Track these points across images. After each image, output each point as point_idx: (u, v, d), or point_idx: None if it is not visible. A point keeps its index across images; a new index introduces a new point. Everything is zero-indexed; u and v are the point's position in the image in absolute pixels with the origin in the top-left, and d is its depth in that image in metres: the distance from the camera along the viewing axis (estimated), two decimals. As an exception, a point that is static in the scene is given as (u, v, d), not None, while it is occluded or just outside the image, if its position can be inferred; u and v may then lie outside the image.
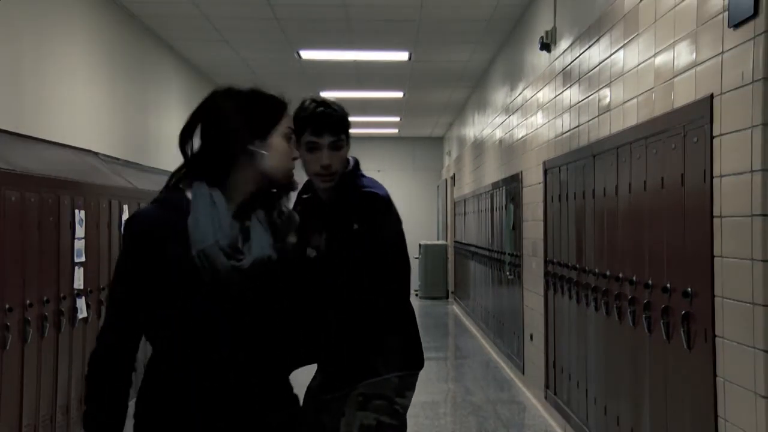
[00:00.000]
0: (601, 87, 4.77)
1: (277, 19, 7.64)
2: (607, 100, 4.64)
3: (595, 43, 4.92)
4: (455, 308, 13.51)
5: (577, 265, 5.15)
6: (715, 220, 3.14)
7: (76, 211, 5.29)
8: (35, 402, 4.76)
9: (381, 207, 2.71)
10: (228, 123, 2.20)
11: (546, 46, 6.19)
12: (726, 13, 3.05)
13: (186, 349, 2.04)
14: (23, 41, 5.33)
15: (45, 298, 4.85)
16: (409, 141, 17.16)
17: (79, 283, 5.32)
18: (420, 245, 15.24)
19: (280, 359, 2.13)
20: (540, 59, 6.53)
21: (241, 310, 2.04)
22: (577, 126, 5.32)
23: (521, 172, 7.26)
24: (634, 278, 4.06)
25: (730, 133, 3.03)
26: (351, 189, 2.74)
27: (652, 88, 3.87)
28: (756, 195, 2.83)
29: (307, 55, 9.15)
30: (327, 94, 11.77)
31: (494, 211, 8.98)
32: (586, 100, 5.11)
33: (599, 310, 4.65)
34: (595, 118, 4.90)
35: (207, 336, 2.03)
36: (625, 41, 4.32)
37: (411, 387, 2.74)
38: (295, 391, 2.22)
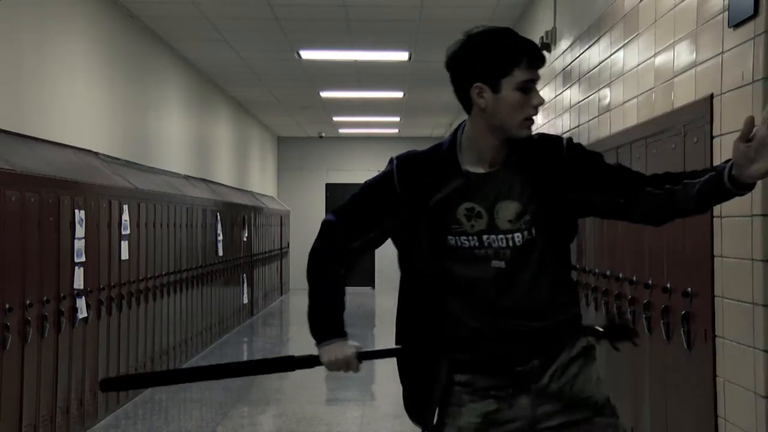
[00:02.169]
0: (601, 87, 4.77)
1: (277, 19, 7.64)
2: (607, 100, 4.63)
3: (595, 43, 4.92)
4: (455, 308, 13.50)
5: (577, 265, 5.15)
6: (715, 220, 3.14)
7: (76, 211, 5.29)
8: (35, 402, 4.76)
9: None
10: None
11: (546, 46, 6.19)
12: (726, 13, 3.05)
13: None
14: (24, 41, 5.34)
15: (45, 298, 4.85)
16: (409, 141, 17.14)
17: (79, 283, 5.32)
18: (420, 245, 15.23)
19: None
20: (540, 59, 6.52)
21: None
22: (577, 126, 5.32)
23: (521, 172, 7.25)
24: (634, 278, 4.06)
25: (730, 133, 3.02)
26: (526, 140, 2.31)
27: (652, 88, 3.87)
28: (756, 195, 2.83)
29: (307, 55, 9.15)
30: (327, 94, 11.80)
31: (494, 211, 8.97)
32: (586, 100, 5.11)
33: (599, 310, 4.65)
34: (595, 118, 4.90)
35: None
36: (625, 41, 4.31)
37: None
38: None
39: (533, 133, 2.27)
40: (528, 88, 2.18)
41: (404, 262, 2.35)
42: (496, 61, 2.18)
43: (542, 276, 2.26)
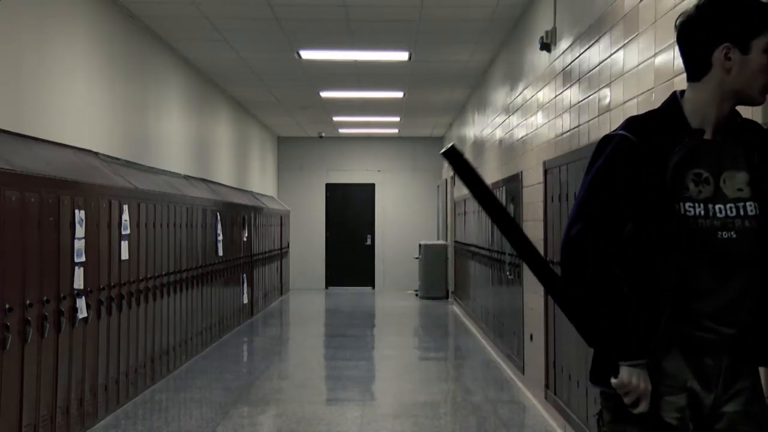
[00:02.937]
0: (601, 87, 4.77)
1: (277, 19, 7.64)
2: (607, 100, 4.64)
3: (595, 43, 4.92)
4: (455, 308, 13.52)
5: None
6: (715, 220, 3.13)
7: (76, 211, 5.29)
8: (35, 402, 4.76)
9: None
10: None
11: (546, 46, 6.19)
12: (726, 13, 3.04)
13: None
14: (24, 41, 5.34)
15: (45, 298, 4.85)
16: (409, 141, 17.16)
17: (79, 283, 5.32)
18: (420, 245, 15.24)
19: None
20: (540, 59, 6.53)
21: None
22: (577, 126, 5.32)
23: (521, 172, 7.26)
24: (634, 278, 4.05)
25: (730, 133, 3.02)
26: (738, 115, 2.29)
27: (652, 88, 3.87)
28: (756, 195, 2.82)
29: (307, 55, 9.15)
30: (327, 94, 11.81)
31: (494, 211, 8.96)
32: (586, 100, 5.11)
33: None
34: (595, 118, 4.90)
35: None
36: (625, 41, 4.31)
37: None
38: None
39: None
40: None
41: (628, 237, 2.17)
42: (749, 21, 2.12)
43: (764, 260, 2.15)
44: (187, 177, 9.17)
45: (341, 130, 16.06)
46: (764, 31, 2.11)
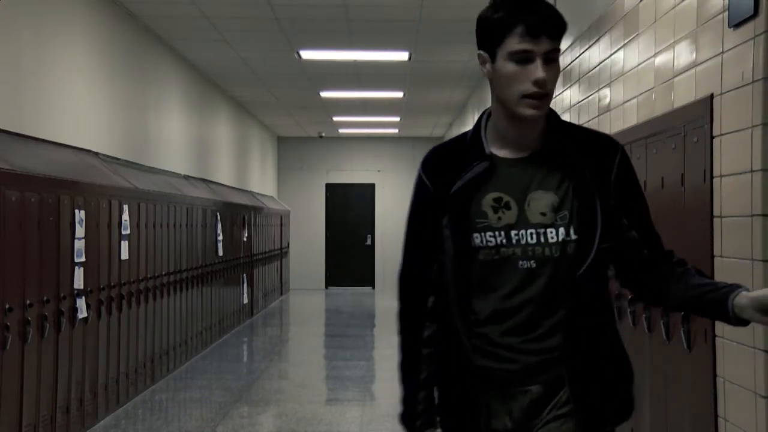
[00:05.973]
0: (601, 87, 4.77)
1: (277, 19, 7.64)
2: (607, 100, 4.64)
3: (595, 43, 4.92)
4: (455, 308, 13.50)
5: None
6: (715, 220, 3.14)
7: (76, 211, 5.29)
8: (35, 402, 4.76)
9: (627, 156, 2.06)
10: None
11: (546, 46, 6.18)
12: (726, 13, 3.05)
13: None
14: (23, 41, 5.34)
15: (45, 298, 4.85)
16: (409, 141, 17.15)
17: (79, 283, 5.32)
18: (420, 245, 15.23)
19: None
20: (540, 59, 6.51)
21: None
22: (577, 126, 5.32)
23: (521, 172, 7.25)
24: (634, 278, 4.04)
25: (730, 133, 3.02)
26: (574, 129, 2.09)
27: (652, 88, 3.87)
28: (756, 195, 2.83)
29: (307, 55, 9.15)
30: (327, 94, 11.80)
31: (494, 211, 8.97)
32: (586, 100, 5.11)
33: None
34: (595, 118, 4.90)
35: None
36: (625, 41, 4.31)
37: None
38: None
39: (589, 128, 2.10)
40: (525, 59, 1.89)
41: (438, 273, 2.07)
42: (488, 28, 1.94)
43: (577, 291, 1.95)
44: (187, 177, 9.17)
45: (341, 130, 16.05)
46: (505, 38, 1.90)
